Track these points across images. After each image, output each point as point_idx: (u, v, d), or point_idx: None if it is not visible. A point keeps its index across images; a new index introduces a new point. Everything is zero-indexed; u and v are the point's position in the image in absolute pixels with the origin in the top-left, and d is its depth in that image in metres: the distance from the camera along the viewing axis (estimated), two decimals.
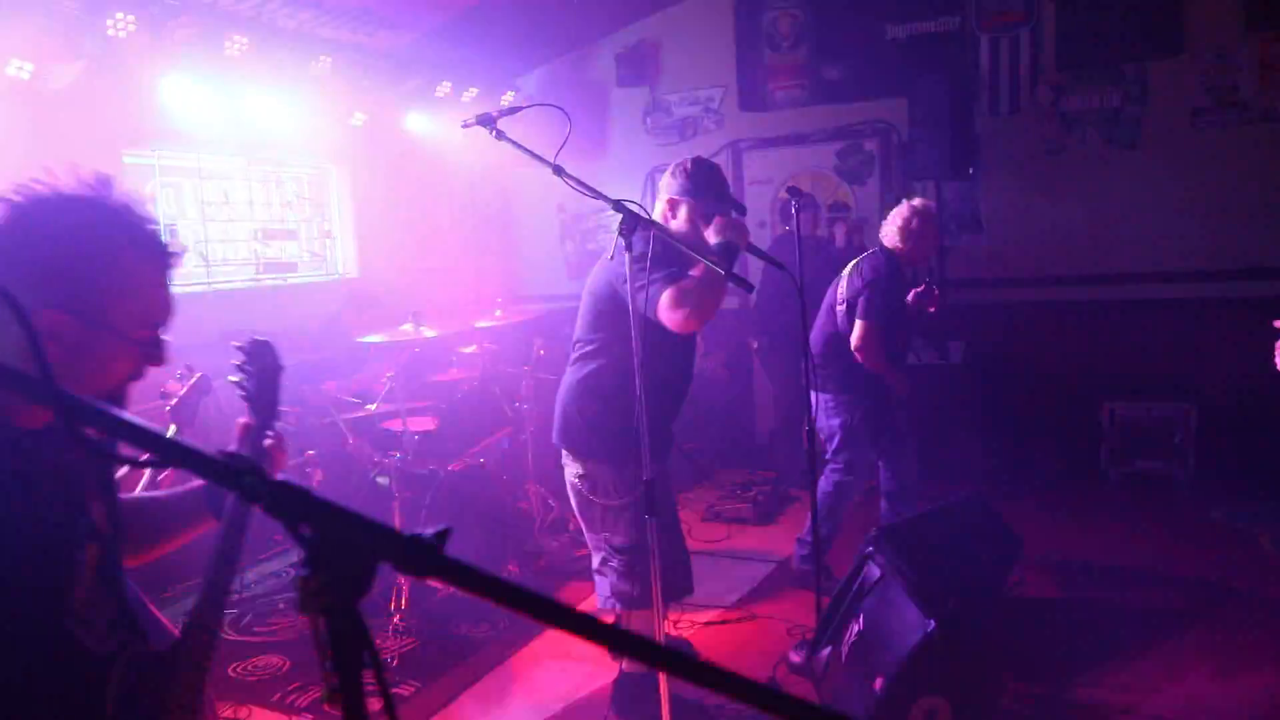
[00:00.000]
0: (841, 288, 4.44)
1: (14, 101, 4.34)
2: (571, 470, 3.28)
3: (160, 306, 1.34)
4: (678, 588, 3.27)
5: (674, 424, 3.37)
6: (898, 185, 6.63)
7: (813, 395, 4.30)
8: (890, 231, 4.43)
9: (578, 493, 3.27)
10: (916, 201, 4.47)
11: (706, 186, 3.20)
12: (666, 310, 2.89)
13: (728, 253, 2.93)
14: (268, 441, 1.65)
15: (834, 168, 6.91)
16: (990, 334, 6.38)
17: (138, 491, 1.61)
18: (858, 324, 4.24)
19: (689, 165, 3.25)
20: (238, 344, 1.69)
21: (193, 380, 2.22)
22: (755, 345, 6.31)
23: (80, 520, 1.33)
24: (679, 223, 3.19)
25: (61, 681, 1.26)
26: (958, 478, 5.52)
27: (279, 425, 1.70)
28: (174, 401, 2.14)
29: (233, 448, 1.63)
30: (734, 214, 3.12)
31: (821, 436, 4.48)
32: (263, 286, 5.95)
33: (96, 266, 1.26)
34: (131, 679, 1.32)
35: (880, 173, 6.77)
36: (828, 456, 4.49)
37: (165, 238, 1.35)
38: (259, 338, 1.71)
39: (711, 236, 3.00)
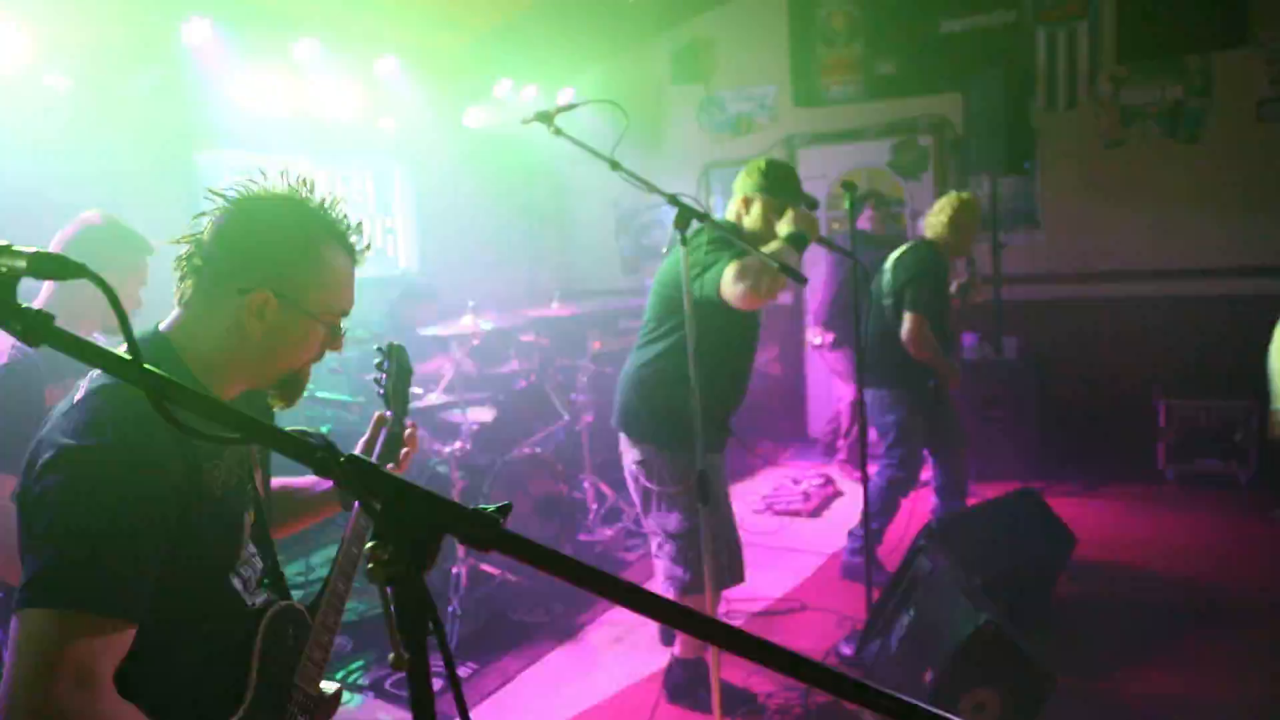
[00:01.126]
0: (886, 281, 4.44)
1: (91, 103, 4.53)
2: (630, 455, 3.38)
3: (346, 296, 1.52)
4: (729, 575, 3.33)
5: (733, 415, 3.43)
6: (953, 180, 6.58)
7: (866, 391, 4.32)
8: (934, 223, 4.44)
9: (634, 478, 3.37)
10: (960, 193, 4.47)
11: (779, 184, 3.30)
12: (729, 284, 2.97)
13: (797, 242, 3.05)
14: (406, 431, 1.86)
15: (888, 163, 6.88)
16: (1045, 330, 6.31)
17: None
18: (907, 316, 4.24)
19: (764, 165, 3.35)
20: (379, 346, 1.92)
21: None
22: (819, 341, 6.29)
23: (248, 485, 1.50)
24: (752, 219, 3.29)
25: (223, 627, 1.41)
26: (1011, 474, 5.48)
27: (407, 421, 1.90)
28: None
29: (366, 436, 1.85)
30: (804, 208, 3.20)
31: (875, 431, 4.49)
32: None
33: (299, 255, 1.44)
34: (277, 631, 1.48)
35: (935, 168, 6.72)
36: (881, 451, 4.50)
37: (355, 236, 1.52)
38: (395, 342, 1.94)
39: (783, 228, 3.11)
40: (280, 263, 1.42)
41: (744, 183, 3.34)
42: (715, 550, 3.00)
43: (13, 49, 3.98)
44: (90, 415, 1.26)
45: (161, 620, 1.28)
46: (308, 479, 1.83)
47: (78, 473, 1.22)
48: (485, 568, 4.45)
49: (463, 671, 3.80)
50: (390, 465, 1.78)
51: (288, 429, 0.96)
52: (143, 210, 2.66)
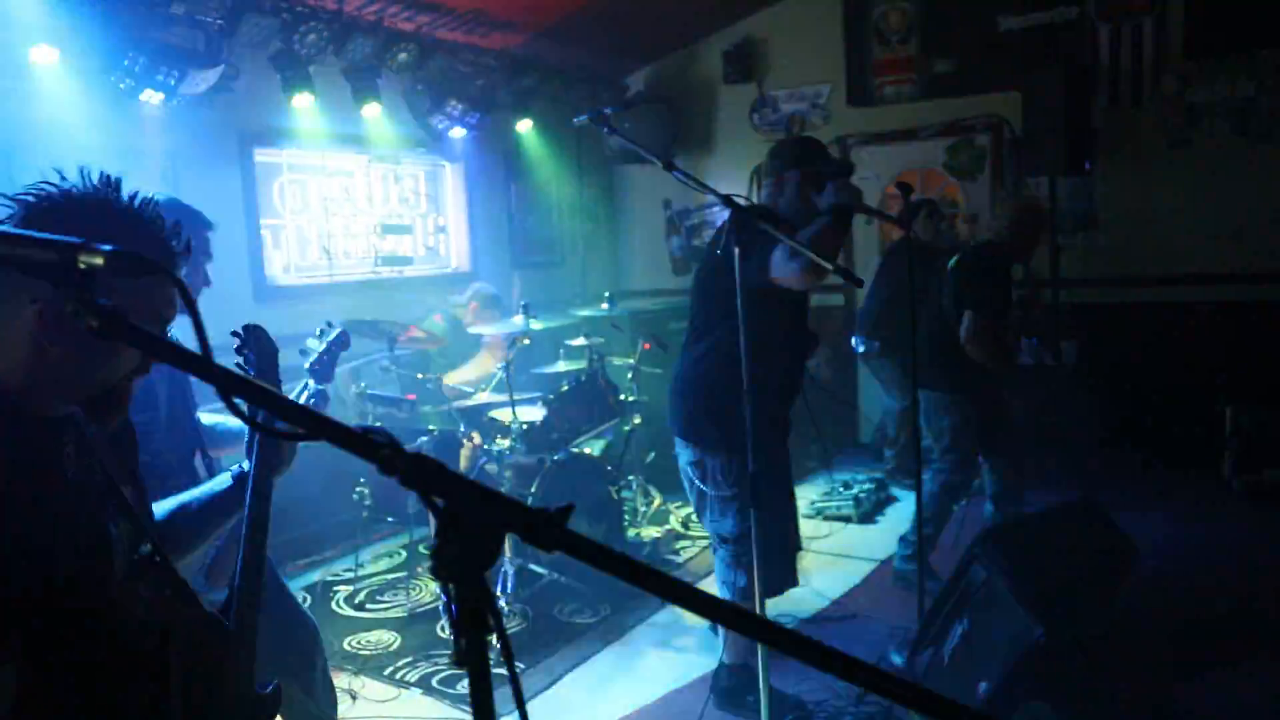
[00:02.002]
0: (949, 281, 4.37)
1: (154, 103, 4.63)
2: (684, 456, 3.36)
3: (163, 302, 1.33)
4: (781, 581, 3.29)
5: (788, 410, 3.37)
6: (1010, 181, 6.46)
7: (921, 394, 4.26)
8: (996, 224, 4.39)
9: (689, 479, 3.34)
10: (1024, 195, 4.40)
11: (804, 155, 3.25)
12: (781, 264, 2.85)
13: (841, 213, 2.96)
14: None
15: (944, 163, 6.77)
16: (1106, 334, 6.16)
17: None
18: (966, 316, 4.17)
19: (780, 143, 3.33)
20: (234, 331, 1.80)
21: (332, 335, 2.34)
22: (863, 350, 6.21)
23: (109, 501, 1.37)
24: (788, 198, 3.23)
25: (122, 652, 1.29)
26: (1069, 482, 5.35)
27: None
28: (313, 358, 2.26)
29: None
30: (841, 177, 3.12)
31: (929, 436, 4.42)
32: (380, 278, 6.20)
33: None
34: (190, 647, 1.37)
35: (992, 168, 6.61)
36: (935, 456, 4.43)
37: (169, 236, 1.37)
38: (251, 324, 1.82)
39: (824, 201, 3.03)
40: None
41: (769, 165, 3.30)
42: (768, 555, 2.88)
43: None
44: None
45: (49, 658, 1.17)
46: (195, 491, 1.74)
47: None
48: (534, 567, 4.46)
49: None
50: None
51: (350, 426, 0.96)
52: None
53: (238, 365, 1.78)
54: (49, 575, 1.22)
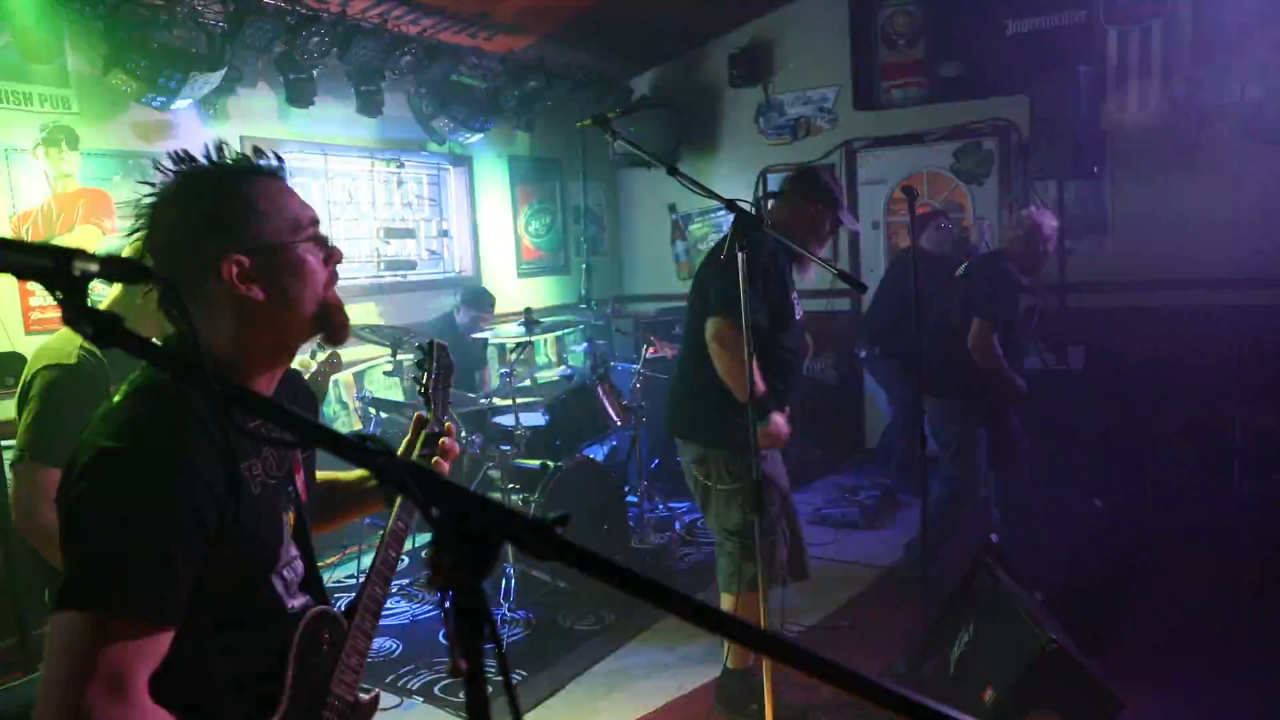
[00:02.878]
0: (959, 289, 4.37)
1: (157, 107, 4.63)
2: (687, 456, 3.43)
3: (295, 206, 1.41)
4: (796, 567, 3.39)
5: (790, 400, 3.43)
6: (1018, 186, 6.44)
7: (927, 402, 4.24)
8: (1010, 237, 4.39)
9: (694, 478, 3.43)
10: (1037, 211, 4.39)
11: (830, 199, 3.44)
12: (709, 333, 3.17)
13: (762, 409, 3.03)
14: (446, 431, 1.79)
15: (950, 167, 6.75)
16: (1114, 340, 6.12)
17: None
18: (975, 322, 4.16)
19: (814, 172, 3.59)
20: (419, 345, 1.88)
21: (324, 357, 2.34)
22: (863, 354, 6.21)
23: (288, 487, 1.47)
24: (797, 226, 3.40)
25: (262, 630, 1.39)
26: (1076, 488, 5.32)
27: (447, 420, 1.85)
28: (306, 376, 2.26)
29: (407, 436, 1.80)
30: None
31: (936, 443, 4.38)
32: (384, 282, 6.19)
33: (230, 205, 1.35)
34: (314, 636, 1.45)
35: (999, 173, 6.58)
36: (943, 465, 4.40)
37: (262, 160, 1.44)
38: (438, 340, 1.90)
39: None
40: (221, 224, 1.34)
41: (797, 187, 3.51)
42: (776, 545, 3.21)
43: None
44: (128, 417, 1.26)
45: (199, 624, 1.27)
46: (351, 474, 1.80)
47: (114, 476, 1.21)
48: (536, 573, 4.44)
49: (512, 678, 3.78)
50: (435, 461, 1.74)
51: (347, 432, 0.95)
52: None
53: (415, 379, 1.88)
54: (244, 556, 1.34)
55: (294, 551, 1.49)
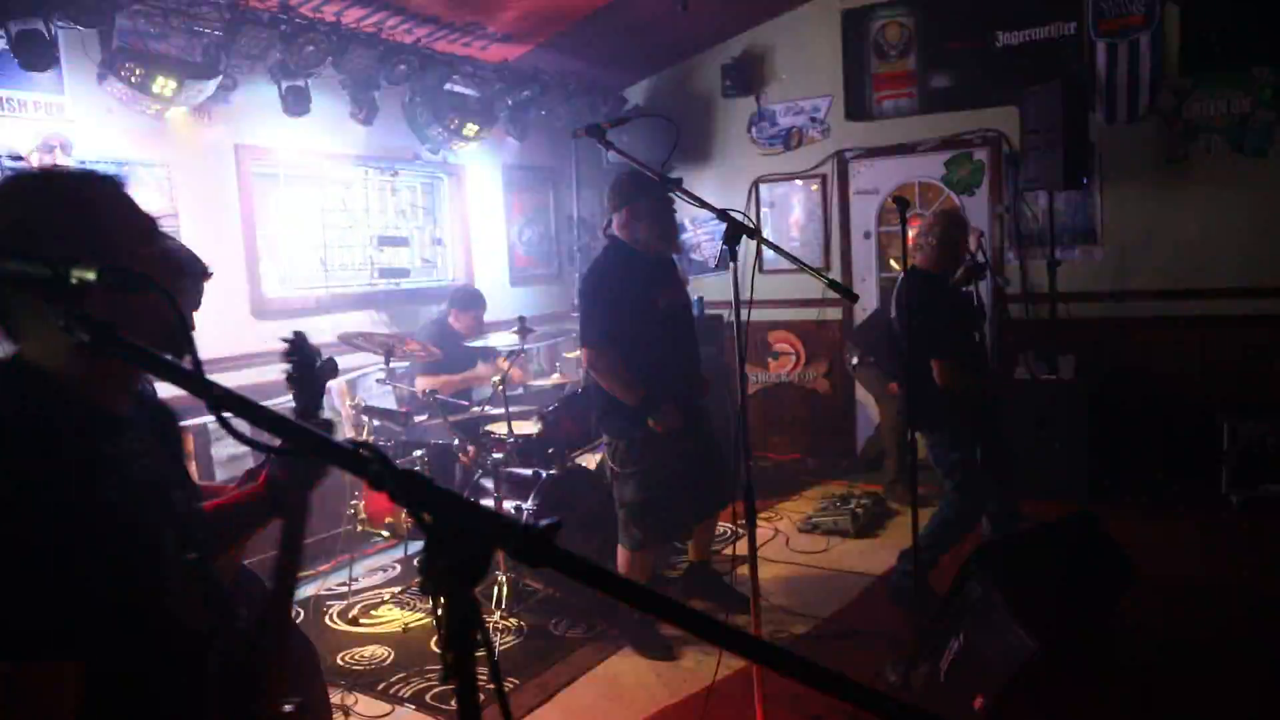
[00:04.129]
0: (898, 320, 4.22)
1: (152, 115, 4.64)
2: (604, 446, 4.19)
3: (135, 217, 1.32)
4: (701, 510, 4.30)
5: (686, 384, 4.14)
6: (1008, 196, 6.48)
7: (924, 437, 4.15)
8: (925, 244, 4.22)
9: (607, 463, 4.16)
10: (939, 209, 4.32)
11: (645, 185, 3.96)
12: (585, 354, 3.98)
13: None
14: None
15: (942, 177, 6.79)
16: (1103, 349, 6.17)
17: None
18: (933, 364, 4.05)
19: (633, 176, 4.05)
20: (282, 337, 1.75)
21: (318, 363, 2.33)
22: (855, 361, 6.23)
23: (163, 504, 1.37)
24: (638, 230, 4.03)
25: (166, 658, 1.31)
26: (1066, 497, 5.35)
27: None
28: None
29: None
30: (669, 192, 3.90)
31: (939, 471, 4.34)
32: (377, 291, 6.19)
33: (58, 221, 1.24)
34: (226, 654, 1.39)
35: (990, 183, 6.62)
36: (948, 489, 4.34)
37: (97, 172, 1.35)
38: (299, 331, 1.77)
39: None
40: (50, 243, 1.19)
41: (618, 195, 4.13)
42: (659, 512, 4.02)
43: None
44: None
45: (105, 658, 1.19)
46: (227, 494, 1.73)
47: None
48: (528, 581, 4.44)
49: (504, 685, 3.78)
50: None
51: (340, 440, 0.96)
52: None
53: (285, 373, 1.72)
54: (118, 577, 1.22)
55: (188, 570, 1.38)
